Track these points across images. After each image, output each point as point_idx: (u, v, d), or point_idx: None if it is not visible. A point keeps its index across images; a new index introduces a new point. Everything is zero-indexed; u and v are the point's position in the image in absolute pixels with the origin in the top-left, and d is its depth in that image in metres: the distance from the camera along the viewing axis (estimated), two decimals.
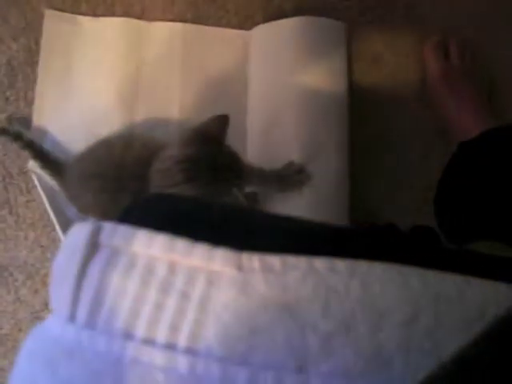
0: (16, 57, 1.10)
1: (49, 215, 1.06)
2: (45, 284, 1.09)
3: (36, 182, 1.06)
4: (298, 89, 1.03)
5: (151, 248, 0.36)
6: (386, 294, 0.37)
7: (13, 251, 1.09)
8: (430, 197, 1.07)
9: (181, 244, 0.36)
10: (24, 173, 1.09)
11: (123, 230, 0.37)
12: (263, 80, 1.09)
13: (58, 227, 1.05)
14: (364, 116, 1.10)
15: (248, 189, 0.95)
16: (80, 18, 1.11)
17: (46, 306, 1.09)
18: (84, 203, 0.96)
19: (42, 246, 1.09)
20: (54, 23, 1.10)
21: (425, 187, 1.11)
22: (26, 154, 1.07)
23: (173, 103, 1.11)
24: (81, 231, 0.37)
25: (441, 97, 1.10)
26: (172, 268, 0.35)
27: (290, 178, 0.96)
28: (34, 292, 1.09)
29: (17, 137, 1.06)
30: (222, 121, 0.82)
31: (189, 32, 1.13)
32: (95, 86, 1.11)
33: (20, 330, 1.09)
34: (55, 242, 1.08)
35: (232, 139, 0.92)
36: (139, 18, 1.12)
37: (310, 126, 1.02)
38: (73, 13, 1.11)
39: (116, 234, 0.37)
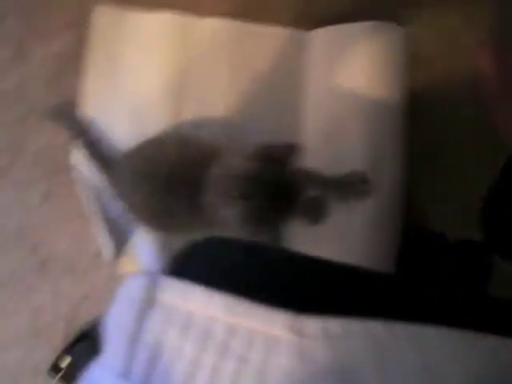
0: (64, 50, 1.10)
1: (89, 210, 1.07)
2: (84, 277, 1.10)
3: (78, 176, 1.06)
4: (362, 96, 0.99)
5: (209, 308, 0.34)
6: (442, 359, 0.35)
7: (54, 244, 1.10)
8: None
9: (240, 306, 0.34)
10: (67, 166, 1.09)
11: (180, 286, 0.36)
12: (324, 86, 1.05)
13: (96, 223, 1.05)
14: (416, 121, 1.06)
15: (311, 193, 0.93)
16: (129, 13, 1.09)
17: (85, 298, 1.10)
18: (133, 202, 0.95)
19: (82, 240, 1.10)
20: (102, 18, 1.09)
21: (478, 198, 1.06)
22: (70, 146, 1.08)
23: (219, 101, 1.09)
24: (136, 284, 0.36)
25: (495, 103, 1.06)
26: (230, 330, 0.33)
27: (354, 186, 0.93)
28: (74, 285, 1.10)
29: (73, 123, 1.05)
30: (291, 149, 0.79)
31: (239, 28, 1.10)
32: (142, 81, 1.09)
33: (59, 320, 1.10)
34: (95, 237, 1.09)
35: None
36: (188, 13, 1.10)
37: (373, 135, 0.98)
38: (122, 8, 1.09)
39: (172, 289, 0.36)
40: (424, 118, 1.07)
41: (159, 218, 0.92)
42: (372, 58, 1.01)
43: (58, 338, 1.10)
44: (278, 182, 0.79)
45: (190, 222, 0.89)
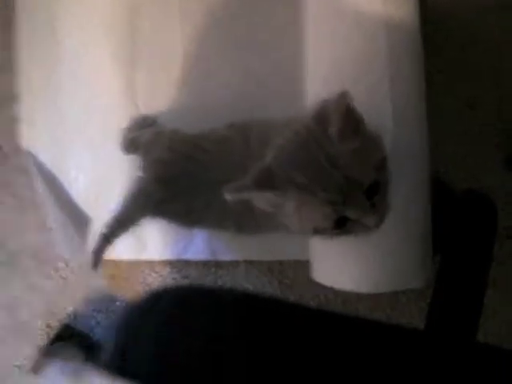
0: None
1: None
2: (57, 269, 1.02)
3: (31, 164, 0.96)
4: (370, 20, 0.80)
5: None
6: None
7: (21, 236, 1.01)
8: None
9: None
10: (21, 151, 0.98)
11: None
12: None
13: (50, 212, 0.96)
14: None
15: None
16: None
17: (60, 293, 1.03)
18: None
19: (50, 229, 1.01)
20: None
21: None
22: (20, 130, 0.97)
23: (176, 59, 0.96)
24: None
25: None
26: None
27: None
28: (46, 278, 1.02)
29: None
30: (342, 102, 0.57)
31: None
32: (85, 45, 0.95)
33: (36, 316, 1.03)
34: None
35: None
36: None
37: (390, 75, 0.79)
38: None
39: None
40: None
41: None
42: None
43: (39, 333, 1.03)
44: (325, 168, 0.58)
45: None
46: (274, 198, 0.61)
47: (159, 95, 0.96)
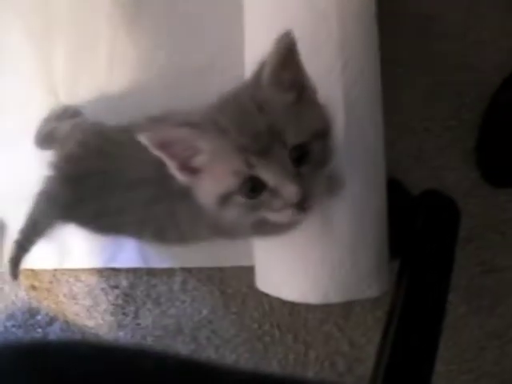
0: None
1: None
2: None
3: None
4: None
5: None
6: None
7: None
8: None
9: None
10: None
11: None
12: None
13: None
14: None
15: None
16: None
17: None
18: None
19: None
20: None
21: None
22: None
23: (100, 34, 0.87)
24: None
25: None
26: None
27: None
28: None
29: None
30: (284, 39, 0.51)
31: None
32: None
33: None
34: None
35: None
36: None
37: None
38: None
39: None
40: None
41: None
42: None
43: None
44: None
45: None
46: (189, 138, 0.53)
47: (82, 83, 0.87)
